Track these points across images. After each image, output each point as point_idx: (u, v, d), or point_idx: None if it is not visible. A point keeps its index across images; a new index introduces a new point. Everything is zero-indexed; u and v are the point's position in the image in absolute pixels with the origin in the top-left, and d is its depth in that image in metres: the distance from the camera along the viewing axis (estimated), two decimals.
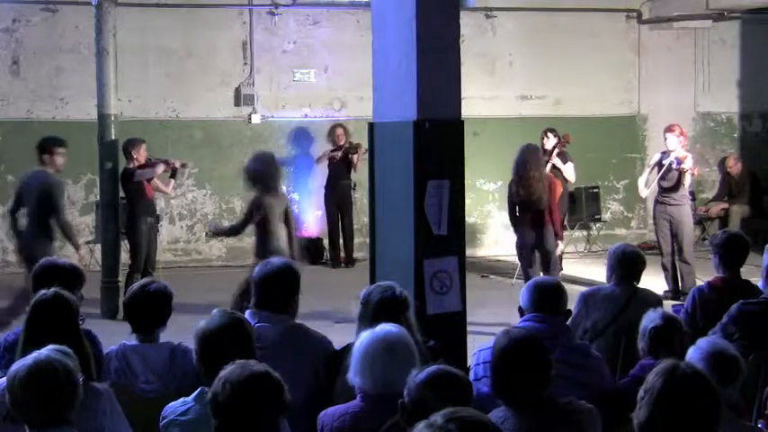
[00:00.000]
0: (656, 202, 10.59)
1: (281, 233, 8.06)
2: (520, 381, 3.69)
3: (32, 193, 8.62)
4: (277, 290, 4.68)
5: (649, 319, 4.66)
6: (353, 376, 3.79)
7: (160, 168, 10.10)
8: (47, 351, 3.41)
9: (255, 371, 3.11)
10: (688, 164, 10.21)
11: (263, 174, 8.13)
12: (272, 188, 8.14)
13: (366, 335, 3.84)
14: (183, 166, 10.66)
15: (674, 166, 10.21)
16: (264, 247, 7.92)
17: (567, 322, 5.00)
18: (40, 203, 8.56)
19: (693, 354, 3.84)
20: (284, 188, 8.12)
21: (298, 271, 4.82)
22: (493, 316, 8.97)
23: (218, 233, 10.25)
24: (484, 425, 2.50)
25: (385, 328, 3.84)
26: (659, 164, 10.43)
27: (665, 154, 10.41)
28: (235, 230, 8.67)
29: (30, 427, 3.34)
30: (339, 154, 12.89)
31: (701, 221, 13.70)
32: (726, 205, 13.76)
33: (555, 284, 4.91)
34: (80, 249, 8.95)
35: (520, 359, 3.70)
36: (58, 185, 8.73)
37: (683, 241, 10.32)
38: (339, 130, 13.07)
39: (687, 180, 10.27)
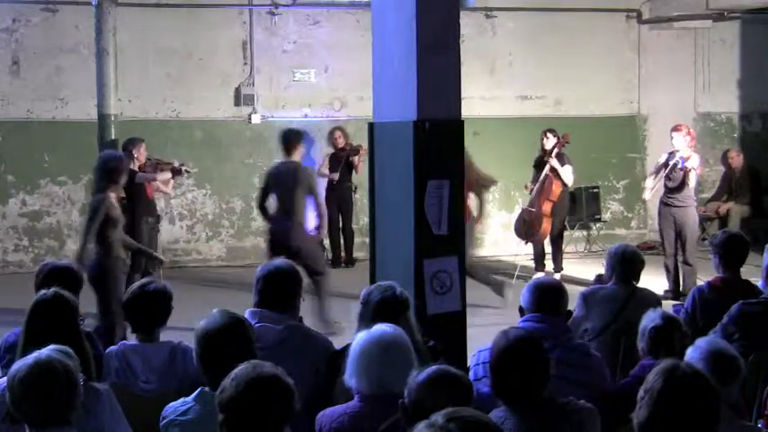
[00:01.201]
0: (662, 203, 10.58)
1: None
2: (518, 381, 3.69)
3: (288, 181, 9.09)
4: (278, 290, 4.68)
5: (649, 319, 4.67)
6: (349, 377, 3.79)
7: (163, 176, 10.07)
8: (47, 351, 3.41)
9: (266, 372, 3.10)
10: (692, 162, 10.20)
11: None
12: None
13: (362, 335, 3.84)
14: (182, 166, 10.62)
15: (679, 165, 10.21)
16: None
17: (568, 322, 5.00)
18: (300, 188, 9.12)
19: (693, 354, 3.84)
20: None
21: (299, 272, 4.81)
22: (493, 316, 8.97)
23: None
24: (485, 425, 2.50)
25: (381, 328, 3.84)
26: (665, 164, 10.43)
27: (672, 154, 10.41)
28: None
29: (30, 427, 3.34)
30: (336, 176, 12.86)
31: (701, 222, 13.69)
32: (729, 205, 13.73)
33: (556, 285, 4.92)
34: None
35: (518, 359, 3.70)
36: (312, 172, 9.45)
37: (686, 243, 10.32)
38: (338, 133, 13.04)
39: (692, 180, 10.25)
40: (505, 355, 3.73)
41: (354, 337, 3.95)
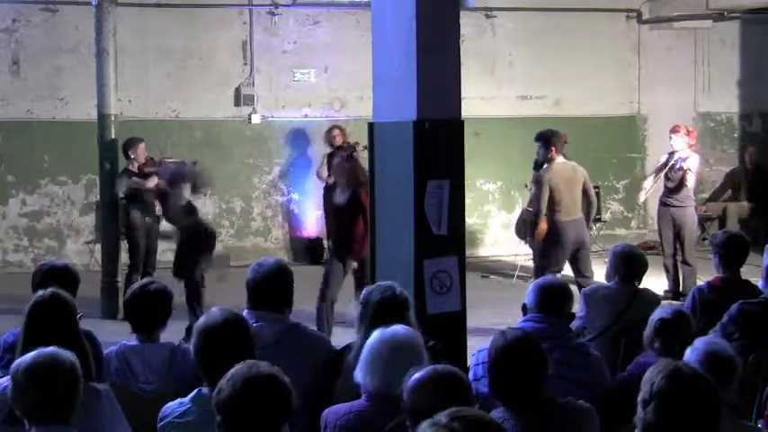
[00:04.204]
0: (660, 203, 10.60)
1: None
2: (516, 381, 3.69)
3: None
4: (272, 290, 4.65)
5: (662, 311, 4.67)
6: (358, 373, 3.81)
7: (150, 183, 10.01)
8: (51, 348, 3.42)
9: (262, 371, 3.10)
10: (691, 163, 10.21)
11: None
12: None
13: (376, 334, 3.85)
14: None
15: (677, 165, 10.22)
16: None
17: (575, 322, 5.00)
18: None
19: (690, 354, 3.84)
20: None
21: (290, 270, 4.79)
22: (493, 316, 8.97)
23: None
24: (488, 424, 2.50)
25: (394, 329, 3.85)
26: (665, 164, 10.43)
27: (671, 154, 10.42)
28: None
29: (30, 423, 3.33)
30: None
31: (701, 221, 13.69)
32: (746, 203, 13.76)
33: (560, 286, 4.90)
34: None
35: (516, 359, 3.70)
36: None
37: (684, 243, 10.33)
38: (336, 131, 12.95)
39: (690, 181, 10.26)
40: (503, 355, 3.74)
41: (359, 336, 3.95)
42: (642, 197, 11.09)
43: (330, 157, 12.95)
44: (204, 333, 3.84)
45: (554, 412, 3.70)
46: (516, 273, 11.73)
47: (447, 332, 5.43)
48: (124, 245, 10.23)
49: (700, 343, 3.92)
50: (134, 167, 10.00)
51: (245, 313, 4.55)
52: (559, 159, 9.18)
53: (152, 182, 10.01)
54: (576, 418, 3.71)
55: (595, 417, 3.78)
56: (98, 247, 10.93)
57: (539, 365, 3.71)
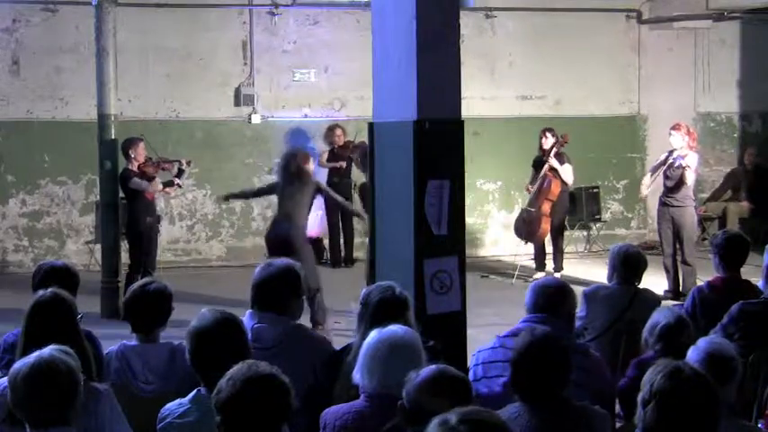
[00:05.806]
0: (660, 202, 10.59)
1: None
2: (538, 376, 3.70)
3: None
4: (276, 291, 4.63)
5: (662, 315, 4.66)
6: (356, 373, 3.80)
7: (155, 187, 10.02)
8: (49, 350, 3.41)
9: (261, 371, 3.10)
10: (689, 160, 10.20)
11: None
12: None
13: (374, 334, 3.84)
14: (189, 164, 10.60)
15: (675, 163, 10.22)
16: None
17: (576, 323, 5.00)
18: None
19: (691, 354, 3.85)
20: None
21: (299, 272, 4.77)
22: (493, 316, 8.96)
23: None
24: (497, 426, 2.48)
25: (392, 329, 3.84)
26: (664, 162, 10.42)
27: (671, 153, 10.41)
28: None
29: (30, 427, 3.33)
30: (344, 164, 12.89)
31: (701, 221, 13.71)
32: (745, 203, 13.77)
33: (558, 286, 4.89)
34: None
35: (540, 355, 3.71)
36: None
37: (684, 243, 10.32)
38: (339, 131, 13.00)
39: (689, 179, 10.25)
40: (528, 350, 3.73)
41: (358, 336, 3.94)
42: (644, 191, 11.09)
43: (330, 153, 12.99)
44: (196, 335, 3.84)
45: (569, 413, 3.70)
46: (516, 273, 11.73)
47: (447, 332, 5.43)
48: (124, 245, 10.25)
49: (702, 342, 3.92)
50: (134, 167, 10.00)
51: (247, 313, 4.56)
52: None
53: (155, 186, 10.02)
54: (590, 422, 3.71)
55: (608, 423, 3.78)
56: (98, 247, 10.92)
57: (562, 365, 3.72)
